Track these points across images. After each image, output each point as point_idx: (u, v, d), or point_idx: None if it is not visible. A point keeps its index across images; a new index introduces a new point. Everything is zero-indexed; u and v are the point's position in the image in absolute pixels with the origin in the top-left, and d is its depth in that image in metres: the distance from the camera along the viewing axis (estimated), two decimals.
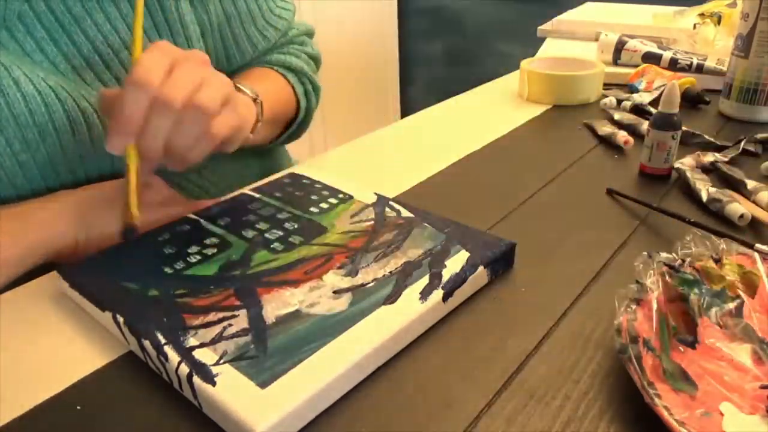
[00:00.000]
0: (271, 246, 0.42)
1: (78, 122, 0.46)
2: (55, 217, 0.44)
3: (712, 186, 0.52)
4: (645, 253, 0.36)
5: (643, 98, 0.76)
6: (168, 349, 0.32)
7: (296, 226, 0.44)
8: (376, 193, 0.49)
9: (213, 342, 0.32)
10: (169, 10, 0.51)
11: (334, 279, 0.38)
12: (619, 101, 0.76)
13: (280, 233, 0.44)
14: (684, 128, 0.62)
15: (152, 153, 0.41)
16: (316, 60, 0.70)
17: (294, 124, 0.67)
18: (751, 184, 0.52)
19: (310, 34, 0.71)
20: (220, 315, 0.35)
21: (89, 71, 0.48)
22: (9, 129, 0.43)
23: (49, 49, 0.45)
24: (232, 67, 0.61)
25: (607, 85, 0.84)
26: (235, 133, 0.45)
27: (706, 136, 0.64)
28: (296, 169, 0.55)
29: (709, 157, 0.58)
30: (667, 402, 0.28)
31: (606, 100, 0.76)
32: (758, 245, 0.40)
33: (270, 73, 0.64)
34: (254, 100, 0.53)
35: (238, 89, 0.52)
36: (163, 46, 0.42)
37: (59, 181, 0.47)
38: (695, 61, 0.83)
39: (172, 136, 0.40)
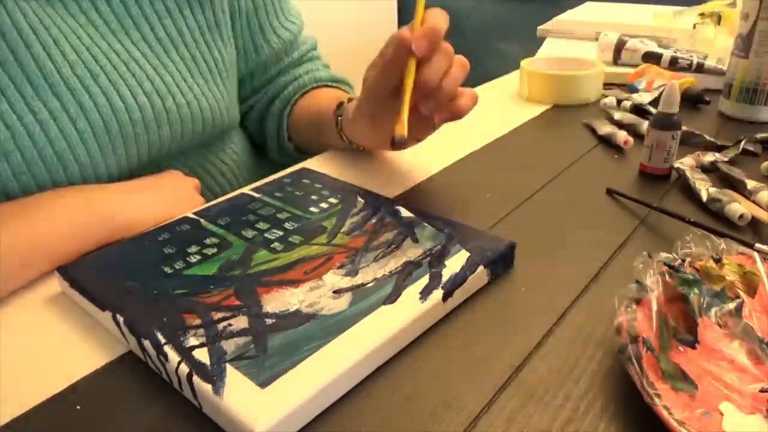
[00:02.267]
0: (271, 246, 0.42)
1: (119, 84, 0.50)
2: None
3: (712, 186, 0.52)
4: (645, 253, 0.36)
5: (643, 98, 0.76)
6: (168, 349, 0.32)
7: (296, 226, 0.44)
8: (376, 193, 0.49)
9: (213, 342, 0.32)
10: None
11: (334, 279, 0.38)
12: (619, 101, 0.76)
13: (280, 233, 0.44)
14: (684, 128, 0.62)
15: (431, 83, 0.44)
16: (327, 67, 0.77)
17: None
18: (751, 183, 0.52)
19: (315, 47, 0.76)
20: (220, 315, 0.35)
21: (136, 32, 0.52)
22: (61, 92, 0.46)
23: (102, 7, 0.51)
24: (260, 57, 0.67)
25: (607, 85, 0.84)
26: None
27: (706, 136, 0.64)
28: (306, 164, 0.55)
29: (709, 157, 0.58)
30: (667, 402, 0.28)
31: (606, 100, 0.76)
32: (758, 245, 0.40)
33: (335, 93, 0.70)
34: None
35: None
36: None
37: (117, 162, 0.51)
38: (695, 60, 0.83)
39: (445, 77, 0.45)
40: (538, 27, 1.17)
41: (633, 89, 0.81)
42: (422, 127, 0.50)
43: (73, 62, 0.47)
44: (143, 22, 0.52)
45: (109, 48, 0.50)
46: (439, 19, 0.45)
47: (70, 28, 0.48)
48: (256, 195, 0.50)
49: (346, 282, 0.38)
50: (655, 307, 0.33)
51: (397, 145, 0.44)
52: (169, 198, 0.51)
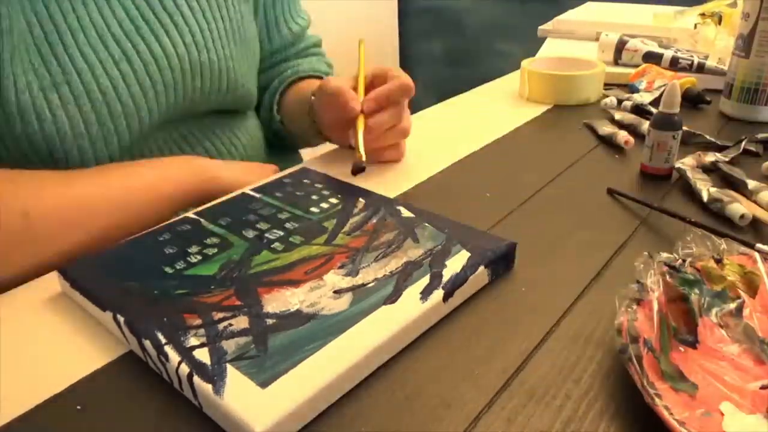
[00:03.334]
0: (272, 246, 0.42)
1: (160, 34, 0.54)
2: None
3: (712, 186, 0.52)
4: (645, 253, 0.36)
5: (644, 98, 0.76)
6: (168, 349, 0.32)
7: (297, 226, 0.44)
8: (376, 193, 0.49)
9: (213, 342, 0.32)
10: None
11: (334, 279, 0.38)
12: (620, 101, 0.76)
13: (281, 233, 0.44)
14: (685, 128, 0.62)
15: (379, 129, 0.55)
16: (330, 66, 0.83)
17: None
18: (751, 184, 0.52)
19: (320, 44, 0.83)
20: (221, 315, 0.35)
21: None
22: (109, 41, 0.52)
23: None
24: (273, 47, 0.74)
25: (608, 85, 0.84)
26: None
27: (707, 136, 0.64)
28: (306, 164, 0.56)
29: (709, 157, 0.58)
30: (667, 402, 0.28)
31: (606, 100, 0.76)
32: (759, 245, 0.40)
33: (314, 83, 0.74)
34: None
35: None
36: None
37: (158, 109, 0.56)
38: (696, 60, 0.83)
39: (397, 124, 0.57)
40: (538, 27, 1.16)
41: (633, 89, 0.81)
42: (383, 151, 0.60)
43: (121, 20, 0.53)
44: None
45: (157, 2, 0.55)
46: (394, 89, 0.55)
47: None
48: (257, 195, 0.50)
49: (346, 282, 0.38)
50: (655, 308, 0.33)
51: (357, 170, 0.54)
52: (254, 170, 0.58)
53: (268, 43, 0.74)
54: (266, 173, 0.58)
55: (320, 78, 0.75)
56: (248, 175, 0.56)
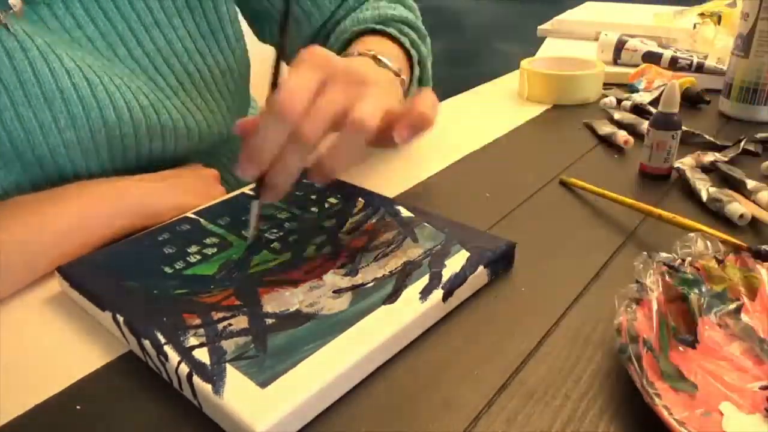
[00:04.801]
0: (271, 246, 0.42)
1: (116, 97, 0.48)
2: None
3: (712, 186, 0.52)
4: (645, 252, 0.36)
5: (643, 98, 0.76)
6: (168, 349, 0.32)
7: (296, 226, 0.44)
8: (376, 193, 0.49)
9: (213, 342, 0.32)
10: None
11: (334, 279, 0.38)
12: (619, 101, 0.76)
13: (280, 233, 0.43)
14: (684, 128, 0.62)
15: (280, 186, 0.40)
16: (413, 9, 0.64)
17: (413, 83, 0.60)
18: (751, 183, 0.52)
19: None
20: (220, 315, 0.35)
21: (122, 47, 0.49)
22: (55, 102, 0.45)
23: (87, 26, 0.47)
24: (313, 26, 0.61)
25: (607, 85, 0.84)
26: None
27: (706, 136, 0.64)
28: None
29: (709, 157, 0.58)
30: (666, 402, 0.28)
31: (606, 100, 0.76)
32: (759, 247, 0.40)
33: (368, 39, 0.57)
34: (397, 75, 0.52)
35: (380, 63, 0.50)
36: (317, 56, 0.39)
37: (100, 165, 0.49)
38: (695, 60, 0.83)
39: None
40: (538, 27, 1.17)
41: (633, 89, 0.81)
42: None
43: (71, 70, 0.45)
44: (129, 36, 0.49)
45: (101, 64, 0.48)
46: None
47: (59, 45, 0.46)
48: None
49: (346, 282, 0.38)
50: (655, 307, 0.33)
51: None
52: (190, 186, 0.50)
53: (307, 20, 0.59)
54: (208, 188, 0.52)
55: (373, 31, 0.57)
56: (187, 195, 0.49)
